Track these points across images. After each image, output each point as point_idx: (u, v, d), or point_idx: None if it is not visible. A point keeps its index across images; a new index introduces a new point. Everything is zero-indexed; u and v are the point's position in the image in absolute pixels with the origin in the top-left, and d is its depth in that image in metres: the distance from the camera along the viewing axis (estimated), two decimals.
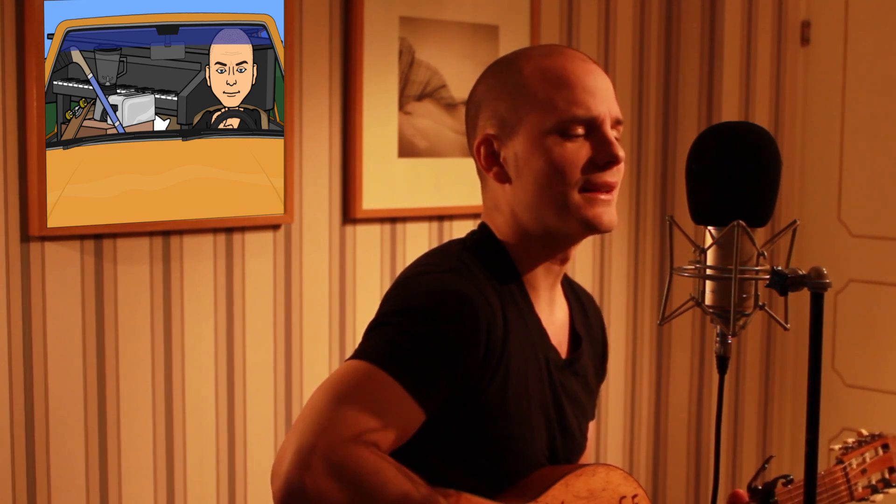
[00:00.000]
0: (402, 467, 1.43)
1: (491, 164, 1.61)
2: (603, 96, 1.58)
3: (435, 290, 1.51)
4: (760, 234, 1.34)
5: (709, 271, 1.32)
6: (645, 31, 3.51)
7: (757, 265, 1.31)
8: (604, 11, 3.39)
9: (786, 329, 1.33)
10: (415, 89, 2.94)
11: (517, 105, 1.58)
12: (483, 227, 1.65)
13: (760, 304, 1.32)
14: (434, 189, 2.99)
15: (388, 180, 2.90)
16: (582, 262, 3.39)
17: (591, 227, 1.57)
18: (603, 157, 1.55)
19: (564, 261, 1.65)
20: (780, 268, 1.31)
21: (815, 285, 1.27)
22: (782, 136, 3.61)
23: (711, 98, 3.53)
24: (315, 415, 1.39)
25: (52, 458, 2.42)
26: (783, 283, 1.29)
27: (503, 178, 1.60)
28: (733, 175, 1.31)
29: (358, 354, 1.47)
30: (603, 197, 1.56)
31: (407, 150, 2.93)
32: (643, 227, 3.56)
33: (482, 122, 1.62)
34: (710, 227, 1.33)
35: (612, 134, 1.57)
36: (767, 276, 1.30)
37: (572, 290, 1.77)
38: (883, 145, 3.49)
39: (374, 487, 1.39)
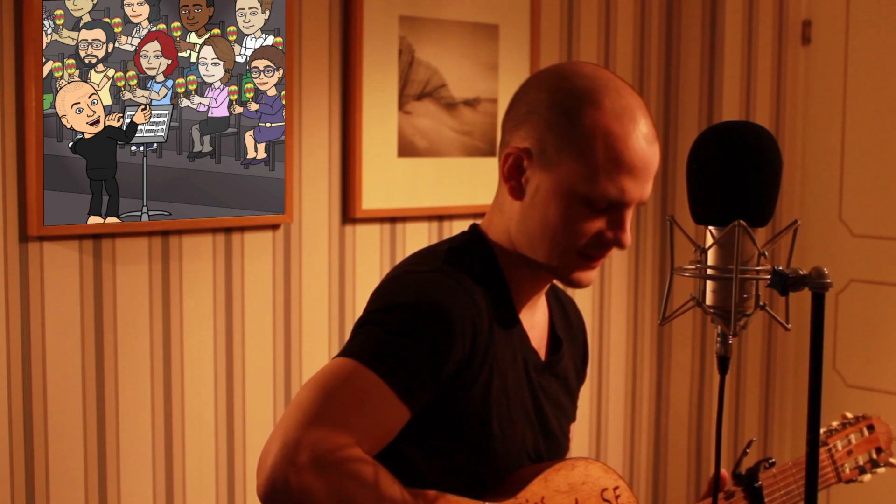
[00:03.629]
0: (379, 466, 1.43)
1: (512, 175, 1.59)
2: (644, 181, 1.56)
3: (420, 289, 1.52)
4: (761, 234, 1.33)
5: (709, 271, 1.31)
6: (645, 31, 3.50)
7: (758, 265, 1.31)
8: (604, 10, 3.39)
9: (787, 329, 1.32)
10: (414, 89, 2.93)
11: (564, 147, 1.54)
12: (473, 229, 1.66)
13: (761, 304, 1.32)
14: (434, 189, 2.98)
15: (387, 180, 2.89)
16: None
17: (571, 284, 1.61)
18: (612, 240, 1.57)
19: (547, 282, 1.67)
20: (780, 268, 1.30)
21: (816, 285, 1.27)
22: (783, 135, 3.61)
23: (712, 97, 3.52)
24: (300, 411, 1.40)
25: (50, 459, 2.41)
26: (784, 283, 1.29)
27: (517, 194, 1.59)
28: (734, 175, 1.30)
29: (344, 353, 1.47)
30: (594, 263, 1.60)
31: (407, 149, 2.93)
32: (644, 226, 3.55)
33: (523, 132, 1.58)
34: (710, 227, 1.32)
35: (629, 218, 1.57)
36: (768, 276, 1.30)
37: (553, 293, 1.79)
38: (884, 145, 3.48)
39: (356, 484, 1.40)
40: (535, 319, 1.69)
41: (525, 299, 1.65)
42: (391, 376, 1.43)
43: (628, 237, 1.57)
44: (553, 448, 1.70)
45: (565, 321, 1.78)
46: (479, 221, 1.68)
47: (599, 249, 1.58)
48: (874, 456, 2.01)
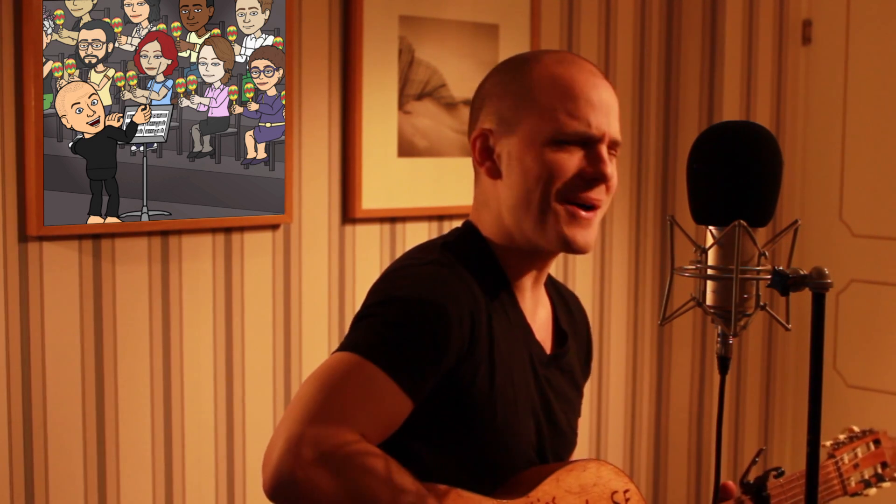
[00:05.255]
0: (389, 458, 1.44)
1: (484, 158, 1.64)
2: (606, 114, 1.59)
3: (417, 281, 1.53)
4: (762, 234, 1.33)
5: (710, 271, 1.31)
6: (646, 31, 3.50)
7: (758, 265, 1.31)
8: (604, 10, 3.38)
9: (787, 329, 1.32)
10: (414, 88, 2.93)
11: (519, 106, 1.59)
12: (467, 225, 1.68)
13: (762, 304, 1.32)
14: (434, 189, 2.98)
15: (387, 180, 2.89)
16: (582, 262, 3.38)
17: (566, 246, 1.58)
18: (591, 173, 1.57)
19: (543, 267, 1.67)
20: (781, 268, 1.30)
21: (817, 285, 1.26)
22: (783, 135, 3.60)
23: (712, 97, 3.52)
24: (303, 406, 1.41)
25: (50, 459, 2.41)
26: (784, 283, 1.29)
27: (494, 173, 1.63)
28: (734, 175, 1.30)
29: (344, 346, 1.48)
30: (584, 214, 1.58)
31: (406, 149, 2.92)
32: (644, 226, 3.55)
33: (483, 116, 1.64)
34: (711, 227, 1.32)
35: (605, 153, 1.58)
36: (769, 276, 1.30)
37: (556, 290, 1.80)
38: (885, 145, 3.48)
39: (363, 475, 1.40)
40: (539, 314, 1.70)
41: (525, 291, 1.66)
42: (391, 367, 1.44)
43: (608, 168, 1.57)
44: (560, 442, 1.71)
45: (569, 316, 1.78)
46: (472, 218, 1.70)
47: (584, 190, 1.57)
48: (880, 470, 2.01)
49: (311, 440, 1.37)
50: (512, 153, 1.60)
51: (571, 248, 1.58)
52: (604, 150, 1.58)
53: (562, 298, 1.79)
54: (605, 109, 1.59)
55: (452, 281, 1.53)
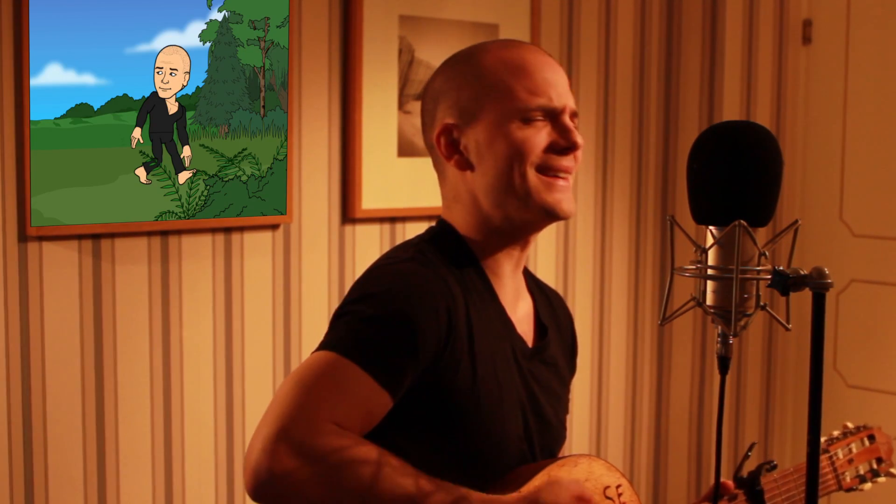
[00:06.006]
0: (374, 451, 1.44)
1: (451, 152, 1.66)
2: (561, 88, 1.64)
3: (393, 277, 1.56)
4: (762, 234, 1.33)
5: (710, 271, 1.31)
6: (646, 30, 3.50)
7: (758, 265, 1.31)
8: (604, 10, 3.38)
9: (787, 329, 1.32)
10: (414, 88, 2.93)
11: (478, 94, 1.62)
12: (441, 222, 1.70)
13: (762, 304, 1.32)
14: (434, 189, 2.94)
15: (387, 180, 2.89)
16: (582, 262, 3.38)
17: (551, 214, 1.62)
18: (563, 142, 1.61)
19: (524, 247, 1.69)
20: (781, 268, 1.30)
21: (817, 285, 1.26)
22: (784, 135, 3.60)
23: (713, 97, 3.52)
24: (282, 404, 1.42)
25: (49, 459, 2.41)
26: (785, 283, 1.29)
27: (464, 165, 1.65)
28: (734, 174, 1.30)
29: (321, 346, 1.50)
30: (561, 183, 1.62)
31: (406, 149, 2.92)
32: (644, 226, 3.55)
33: (441, 112, 1.66)
34: (711, 227, 1.32)
35: (570, 122, 1.63)
36: (769, 276, 1.30)
37: (536, 285, 1.81)
38: (885, 144, 3.48)
39: (340, 471, 1.41)
40: (519, 308, 1.71)
41: (505, 284, 1.67)
42: (368, 363, 1.46)
43: (578, 136, 1.62)
44: (549, 436, 1.71)
45: (550, 310, 1.80)
46: (444, 216, 1.71)
47: (556, 159, 1.61)
48: (875, 466, 2.02)
49: (288, 436, 1.39)
50: (480, 141, 1.62)
51: (557, 215, 1.62)
52: (567, 120, 1.63)
53: (543, 293, 1.81)
54: (560, 83, 1.64)
55: (428, 277, 1.55)
